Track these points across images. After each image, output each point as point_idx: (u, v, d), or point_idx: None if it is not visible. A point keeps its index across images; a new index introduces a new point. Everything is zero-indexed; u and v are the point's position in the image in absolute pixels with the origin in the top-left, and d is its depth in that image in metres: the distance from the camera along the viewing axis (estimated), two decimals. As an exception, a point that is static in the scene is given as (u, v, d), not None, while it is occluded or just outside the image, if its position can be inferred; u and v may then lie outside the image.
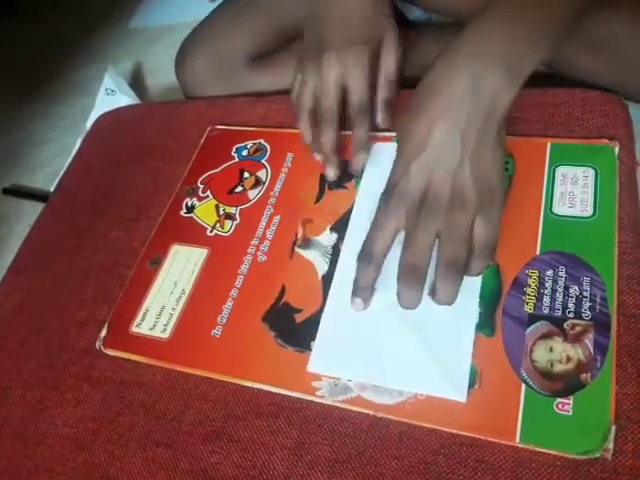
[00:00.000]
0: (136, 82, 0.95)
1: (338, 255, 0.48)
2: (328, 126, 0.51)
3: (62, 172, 0.71)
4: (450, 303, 0.40)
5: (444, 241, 0.39)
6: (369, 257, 0.41)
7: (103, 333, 0.50)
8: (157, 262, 0.53)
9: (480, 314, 0.42)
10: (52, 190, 0.71)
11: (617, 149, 0.47)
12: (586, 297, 0.41)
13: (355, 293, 0.43)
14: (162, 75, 0.88)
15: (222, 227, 0.54)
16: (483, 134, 0.39)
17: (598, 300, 0.40)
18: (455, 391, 0.39)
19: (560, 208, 0.45)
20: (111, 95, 0.83)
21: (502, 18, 0.39)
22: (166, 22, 1.04)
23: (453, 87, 0.39)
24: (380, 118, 0.51)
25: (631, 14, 0.50)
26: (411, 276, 0.40)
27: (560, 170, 0.47)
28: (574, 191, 0.46)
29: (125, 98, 0.82)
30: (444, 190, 0.39)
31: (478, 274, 0.41)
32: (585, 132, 0.49)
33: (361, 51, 0.49)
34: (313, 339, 0.44)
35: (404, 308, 0.41)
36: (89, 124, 0.80)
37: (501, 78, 0.38)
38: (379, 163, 0.51)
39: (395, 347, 0.42)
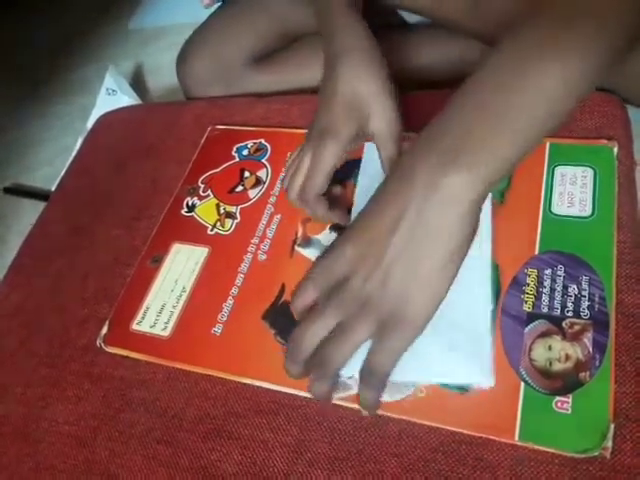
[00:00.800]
0: (136, 82, 0.95)
1: (338, 254, 0.49)
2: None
3: (63, 171, 0.71)
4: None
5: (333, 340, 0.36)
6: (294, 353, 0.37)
7: (104, 331, 0.50)
8: (158, 260, 0.54)
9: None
10: (53, 189, 0.72)
11: (616, 149, 0.47)
12: (585, 296, 0.41)
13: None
14: (162, 75, 0.88)
15: (222, 226, 0.54)
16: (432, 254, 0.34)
17: (597, 299, 0.41)
18: (482, 376, 0.39)
19: (559, 208, 0.45)
20: (112, 95, 0.83)
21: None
22: (165, 23, 1.04)
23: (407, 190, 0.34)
24: None
25: None
26: (318, 370, 0.37)
27: (559, 170, 0.48)
28: (573, 191, 0.46)
29: (126, 98, 0.82)
30: (355, 291, 0.35)
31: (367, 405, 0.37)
32: (584, 132, 0.50)
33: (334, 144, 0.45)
34: (313, 337, 0.44)
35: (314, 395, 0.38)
36: (90, 124, 0.80)
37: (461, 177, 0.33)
38: (372, 160, 0.51)
39: None
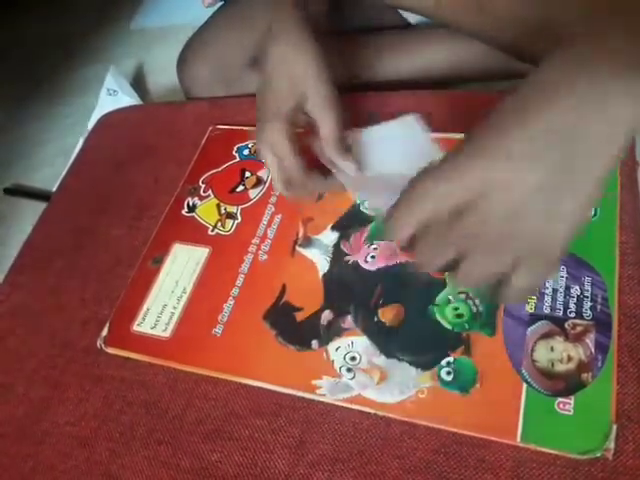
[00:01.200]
0: (137, 82, 0.95)
1: (339, 254, 0.48)
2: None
3: (64, 172, 0.71)
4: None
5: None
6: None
7: (104, 332, 0.50)
8: (159, 261, 0.53)
9: (481, 314, 0.42)
10: (54, 190, 0.71)
11: (618, 149, 0.47)
12: (587, 297, 0.41)
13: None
14: (163, 76, 0.88)
15: (223, 226, 0.54)
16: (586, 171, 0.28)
17: (599, 300, 0.40)
18: None
19: (561, 208, 0.45)
20: (113, 95, 0.83)
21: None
22: (166, 23, 1.04)
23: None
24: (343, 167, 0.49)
25: None
26: (423, 260, 0.33)
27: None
28: (575, 191, 0.46)
29: (127, 98, 0.82)
30: (495, 213, 0.29)
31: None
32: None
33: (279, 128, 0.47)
34: (313, 338, 0.44)
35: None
36: (91, 124, 0.80)
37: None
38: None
39: None
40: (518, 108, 0.29)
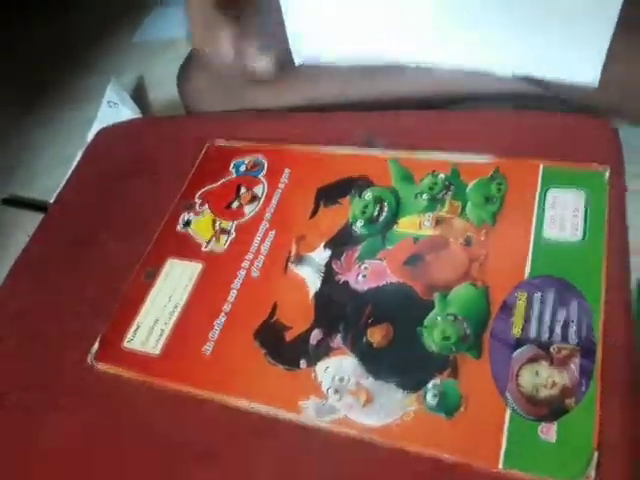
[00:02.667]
0: (138, 95, 0.96)
1: (330, 273, 0.49)
2: None
3: (62, 184, 0.71)
4: None
5: None
6: None
7: (95, 347, 0.50)
8: (152, 276, 0.54)
9: (468, 336, 0.42)
10: (51, 201, 0.72)
11: (607, 174, 0.47)
12: (573, 321, 0.41)
13: None
14: (164, 89, 0.89)
15: (217, 242, 0.54)
16: None
17: (585, 325, 0.41)
18: (589, 72, 0.38)
19: (550, 231, 0.46)
20: (113, 107, 0.84)
21: None
22: (169, 36, 1.05)
23: None
24: None
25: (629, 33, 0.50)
26: None
27: (551, 193, 0.48)
28: (564, 215, 0.46)
29: (127, 111, 0.83)
30: None
31: None
32: (577, 156, 0.50)
33: None
34: (302, 357, 0.44)
35: None
36: (91, 135, 0.81)
37: None
38: None
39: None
40: None
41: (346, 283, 0.48)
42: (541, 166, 0.49)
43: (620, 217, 0.46)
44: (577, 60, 0.39)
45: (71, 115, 0.98)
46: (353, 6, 0.40)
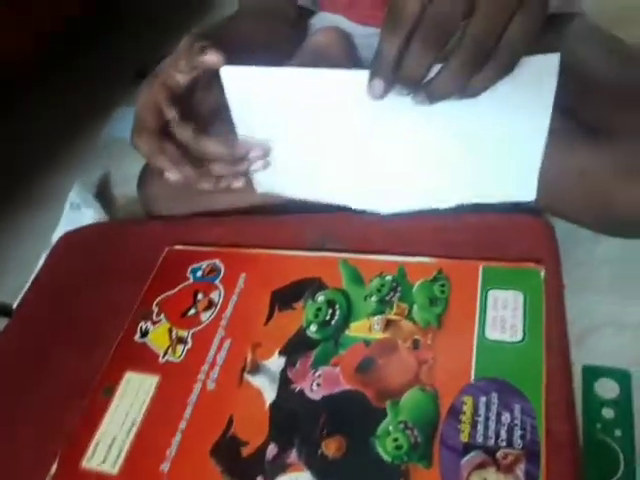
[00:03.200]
0: (103, 193, 0.99)
1: (285, 382, 0.50)
2: None
3: (23, 291, 0.72)
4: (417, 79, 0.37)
5: (479, 16, 0.34)
6: (395, 20, 0.36)
7: (53, 469, 0.50)
8: (110, 391, 0.54)
9: (419, 444, 0.43)
10: (14, 306, 0.72)
11: (543, 273, 0.50)
12: (517, 425, 0.42)
13: (374, 72, 0.39)
14: (129, 186, 0.91)
15: (174, 352, 0.55)
16: None
17: (528, 428, 0.42)
18: (525, 191, 0.42)
19: (492, 333, 0.48)
20: (76, 209, 0.86)
21: None
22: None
23: None
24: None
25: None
26: (432, 35, 0.35)
27: (492, 293, 0.50)
28: (505, 315, 0.48)
29: (90, 212, 0.85)
30: None
31: (484, 87, 0.38)
32: (514, 255, 0.53)
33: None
34: (259, 474, 0.45)
35: (403, 78, 0.37)
36: (55, 238, 0.82)
37: None
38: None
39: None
40: None
41: (301, 392, 0.49)
42: (481, 267, 0.52)
43: (558, 315, 0.48)
44: (514, 183, 0.43)
45: (37, 216, 1.00)
46: (302, 154, 0.45)
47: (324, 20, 0.77)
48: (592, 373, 0.54)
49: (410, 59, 0.36)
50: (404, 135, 0.43)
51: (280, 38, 0.65)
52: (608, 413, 0.51)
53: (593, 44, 0.60)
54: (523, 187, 0.43)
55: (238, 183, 0.53)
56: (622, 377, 0.53)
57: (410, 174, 0.45)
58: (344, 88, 0.43)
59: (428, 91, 0.38)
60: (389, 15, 0.36)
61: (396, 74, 0.38)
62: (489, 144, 0.42)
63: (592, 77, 0.55)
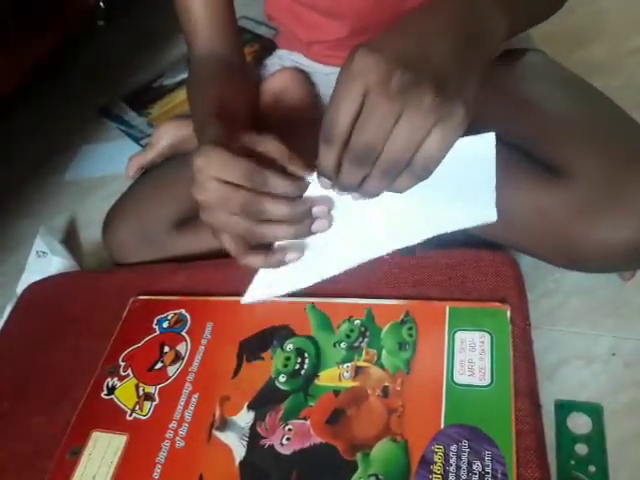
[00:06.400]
0: (69, 236, 0.97)
1: (255, 437, 0.49)
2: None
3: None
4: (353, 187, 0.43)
5: (398, 134, 0.38)
6: (327, 136, 0.40)
7: (17, 542, 0.48)
8: (77, 452, 0.53)
9: (390, 498, 0.42)
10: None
11: (509, 312, 0.50)
12: (488, 473, 0.42)
13: (320, 173, 0.44)
14: (94, 229, 0.89)
15: (141, 410, 0.54)
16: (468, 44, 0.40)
17: (499, 476, 0.41)
18: (486, 212, 0.46)
19: (460, 377, 0.47)
20: (42, 257, 0.84)
21: None
22: (99, 173, 1.07)
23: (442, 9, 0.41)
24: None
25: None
26: (361, 155, 0.39)
27: (459, 335, 0.50)
28: (472, 358, 0.48)
29: (56, 259, 0.83)
30: (423, 79, 0.37)
31: (404, 189, 0.42)
32: (479, 294, 0.53)
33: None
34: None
35: (342, 187, 0.44)
36: (20, 288, 0.80)
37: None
38: None
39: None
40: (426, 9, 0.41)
41: (271, 447, 0.48)
42: (447, 308, 0.52)
43: (525, 356, 0.48)
44: (474, 207, 0.45)
45: (3, 264, 0.97)
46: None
47: (282, 58, 0.77)
48: (564, 408, 0.53)
49: (343, 175, 0.42)
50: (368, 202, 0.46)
51: (243, 93, 0.65)
52: (581, 449, 0.51)
53: (549, 80, 0.61)
54: (483, 210, 0.46)
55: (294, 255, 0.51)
56: (594, 411, 0.53)
57: (378, 225, 0.50)
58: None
59: (360, 192, 0.43)
60: (323, 129, 0.40)
61: (335, 180, 0.43)
62: (441, 188, 0.45)
63: (549, 114, 0.56)
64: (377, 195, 0.43)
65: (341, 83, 0.39)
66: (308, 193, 0.48)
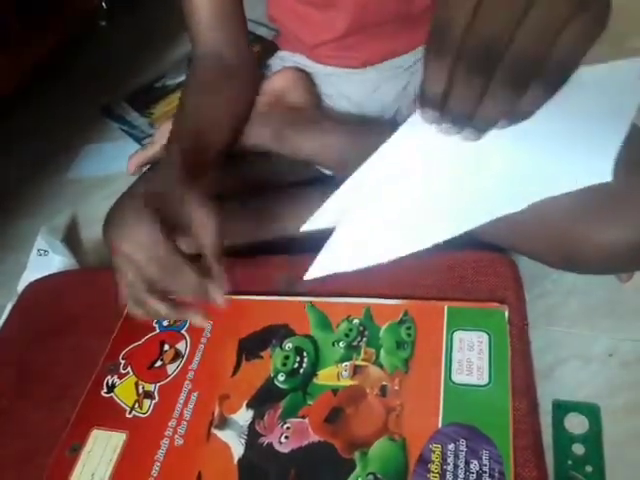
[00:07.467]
0: (72, 234, 0.97)
1: (254, 435, 0.49)
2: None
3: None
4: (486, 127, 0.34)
5: (529, 25, 0.30)
6: (440, 40, 0.32)
7: (16, 539, 0.48)
8: (76, 449, 0.53)
9: (388, 496, 0.43)
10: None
11: (507, 312, 0.50)
12: (485, 472, 0.42)
13: (422, 103, 0.35)
14: (96, 227, 0.90)
15: (140, 407, 0.54)
16: None
17: (497, 475, 0.42)
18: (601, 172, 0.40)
19: (458, 376, 0.48)
20: (44, 256, 0.84)
21: None
22: (104, 172, 1.08)
23: None
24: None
25: None
26: (481, 57, 0.31)
27: (457, 335, 0.50)
28: (471, 357, 0.48)
29: (58, 257, 0.84)
30: None
31: (530, 111, 0.34)
32: (478, 294, 0.53)
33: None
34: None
35: (452, 115, 0.34)
36: (21, 286, 0.81)
37: None
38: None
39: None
40: None
41: (269, 445, 0.48)
42: (446, 308, 0.52)
43: (523, 355, 0.49)
44: (591, 161, 0.42)
45: (5, 262, 0.98)
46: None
47: (283, 59, 0.77)
48: (562, 408, 0.54)
49: (457, 91, 0.33)
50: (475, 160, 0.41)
51: (241, 98, 0.66)
52: (578, 449, 0.51)
53: None
54: (597, 168, 0.41)
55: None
56: (591, 411, 0.53)
57: (479, 187, 0.44)
58: (406, 139, 0.43)
59: (475, 122, 0.34)
60: (432, 36, 0.32)
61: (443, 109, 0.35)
62: (562, 133, 0.40)
63: None
64: (494, 124, 0.34)
65: None
66: (398, 140, 0.42)
